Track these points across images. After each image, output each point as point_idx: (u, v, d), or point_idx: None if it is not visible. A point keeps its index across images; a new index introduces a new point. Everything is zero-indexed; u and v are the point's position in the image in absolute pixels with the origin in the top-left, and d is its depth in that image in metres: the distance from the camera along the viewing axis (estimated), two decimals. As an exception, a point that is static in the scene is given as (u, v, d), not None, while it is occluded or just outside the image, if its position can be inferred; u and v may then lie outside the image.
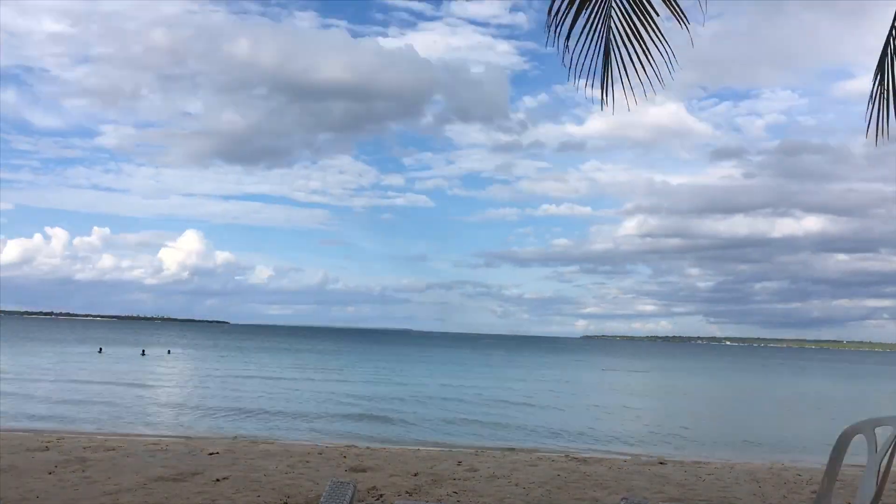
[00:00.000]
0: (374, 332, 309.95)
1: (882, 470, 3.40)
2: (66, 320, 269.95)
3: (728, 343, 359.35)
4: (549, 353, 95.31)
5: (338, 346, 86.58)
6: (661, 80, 4.01)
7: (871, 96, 4.21)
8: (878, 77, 4.22)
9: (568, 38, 4.02)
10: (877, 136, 4.14)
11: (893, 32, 4.20)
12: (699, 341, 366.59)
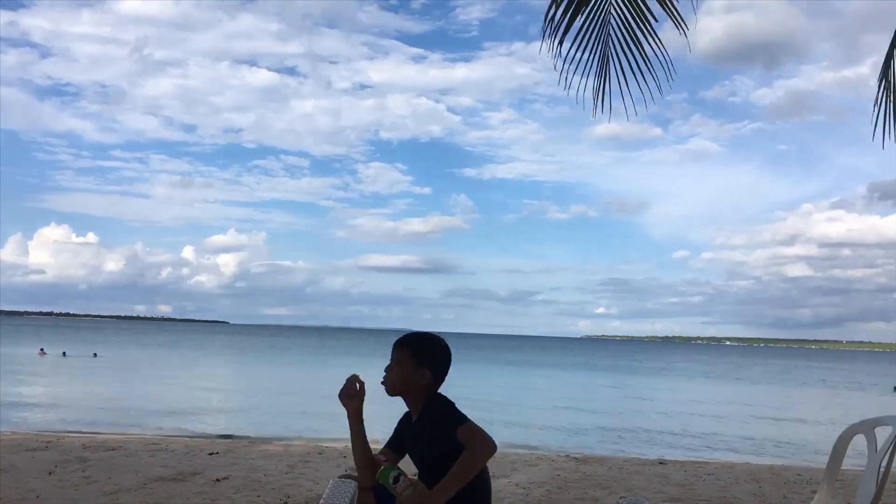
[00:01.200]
0: (375, 331, 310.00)
1: (882, 470, 3.40)
2: (66, 320, 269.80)
3: (728, 343, 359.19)
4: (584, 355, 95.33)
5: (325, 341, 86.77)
6: (659, 89, 4.00)
7: (877, 100, 4.26)
8: (884, 81, 4.27)
9: (561, 43, 4.00)
10: (883, 139, 4.22)
11: None
12: (699, 342, 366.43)
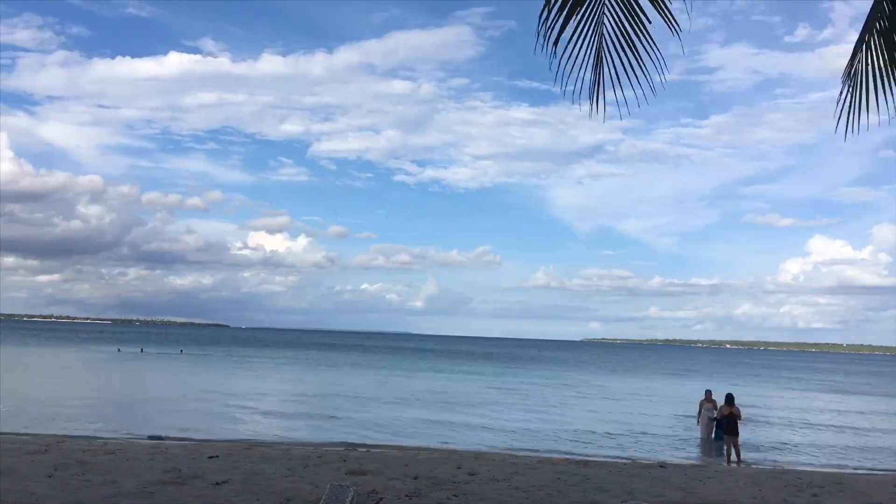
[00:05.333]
0: (374, 334, 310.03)
1: None
2: (68, 322, 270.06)
3: (729, 346, 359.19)
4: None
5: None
6: (653, 89, 4.06)
7: (841, 95, 4.55)
8: (849, 75, 4.52)
9: (556, 43, 4.04)
10: (846, 133, 4.57)
11: (866, 37, 4.36)
12: (699, 345, 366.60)
